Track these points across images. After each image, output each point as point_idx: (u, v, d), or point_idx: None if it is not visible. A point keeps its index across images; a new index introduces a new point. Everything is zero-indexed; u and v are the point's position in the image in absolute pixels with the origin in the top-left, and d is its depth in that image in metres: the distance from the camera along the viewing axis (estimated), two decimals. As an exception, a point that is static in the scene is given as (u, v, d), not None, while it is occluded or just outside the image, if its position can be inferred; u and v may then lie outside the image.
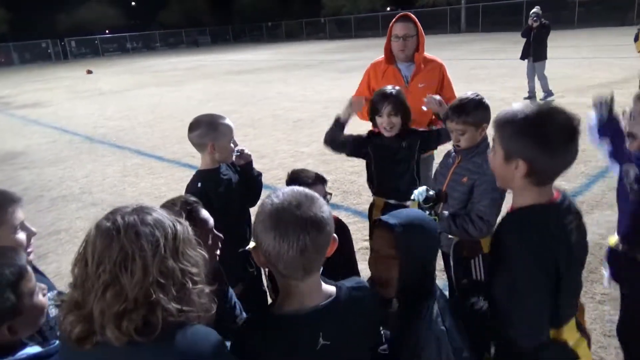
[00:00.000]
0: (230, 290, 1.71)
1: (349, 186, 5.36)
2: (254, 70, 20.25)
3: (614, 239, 2.13)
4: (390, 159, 2.60)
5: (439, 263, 1.87)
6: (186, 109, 11.13)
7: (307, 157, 6.78)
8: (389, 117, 2.49)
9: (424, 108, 2.62)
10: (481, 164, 2.08)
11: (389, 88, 2.54)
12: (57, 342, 1.27)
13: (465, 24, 36.23)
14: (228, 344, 1.16)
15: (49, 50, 45.47)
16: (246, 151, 2.41)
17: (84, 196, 5.92)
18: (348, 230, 2.46)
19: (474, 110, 2.08)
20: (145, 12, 60.61)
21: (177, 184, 5.78)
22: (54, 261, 4.19)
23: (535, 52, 9.25)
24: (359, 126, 2.87)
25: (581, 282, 1.49)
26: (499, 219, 2.08)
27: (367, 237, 3.05)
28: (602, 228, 3.80)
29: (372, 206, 2.80)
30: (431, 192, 2.10)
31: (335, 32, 45.26)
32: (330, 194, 2.22)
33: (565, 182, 4.74)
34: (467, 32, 35.11)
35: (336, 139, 2.69)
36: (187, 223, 1.08)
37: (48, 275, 1.72)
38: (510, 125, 1.32)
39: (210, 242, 1.58)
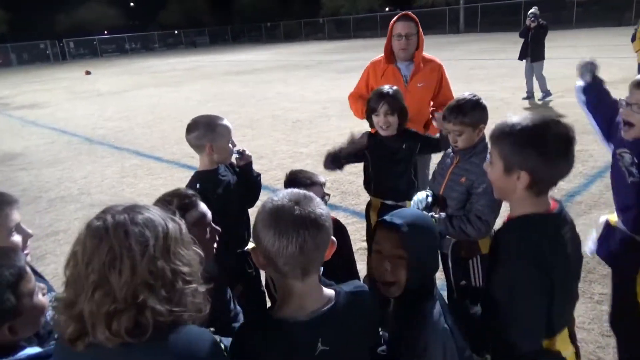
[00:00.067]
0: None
1: (347, 187, 5.37)
2: (252, 70, 20.25)
3: (614, 217, 2.16)
4: (389, 159, 2.60)
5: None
6: (185, 110, 11.12)
7: (306, 157, 6.78)
8: (385, 116, 2.49)
9: (434, 123, 2.62)
10: (479, 164, 2.09)
11: (386, 87, 2.55)
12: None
13: (464, 24, 36.26)
14: (225, 340, 1.16)
15: (47, 51, 45.43)
16: (247, 152, 2.42)
17: (82, 197, 5.92)
18: (346, 232, 2.46)
19: (471, 110, 2.08)
20: (144, 12, 60.60)
21: (176, 184, 5.68)
22: (52, 262, 4.19)
23: (533, 53, 9.27)
24: (357, 124, 2.87)
25: (577, 294, 1.51)
26: (499, 220, 2.10)
27: (365, 238, 3.05)
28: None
29: (369, 206, 2.81)
30: (430, 199, 2.13)
31: (334, 32, 45.28)
32: (329, 195, 2.23)
33: (563, 182, 4.75)
34: (465, 32, 35.15)
35: (335, 166, 2.68)
36: (181, 221, 1.07)
37: (47, 277, 1.72)
38: (509, 137, 1.34)
39: (208, 235, 1.59)
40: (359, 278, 2.49)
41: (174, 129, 9.18)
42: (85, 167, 7.27)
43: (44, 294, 1.32)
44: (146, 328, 0.92)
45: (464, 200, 2.15)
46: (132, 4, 63.09)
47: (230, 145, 2.28)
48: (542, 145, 1.29)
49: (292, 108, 10.67)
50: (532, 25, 9.24)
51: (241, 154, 2.40)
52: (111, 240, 0.94)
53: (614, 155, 2.10)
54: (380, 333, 1.45)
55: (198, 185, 2.19)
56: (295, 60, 23.54)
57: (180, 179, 5.88)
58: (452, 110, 2.12)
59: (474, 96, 2.13)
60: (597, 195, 4.55)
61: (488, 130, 1.59)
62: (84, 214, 5.31)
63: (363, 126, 2.81)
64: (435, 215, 2.13)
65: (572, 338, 1.48)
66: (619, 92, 2.08)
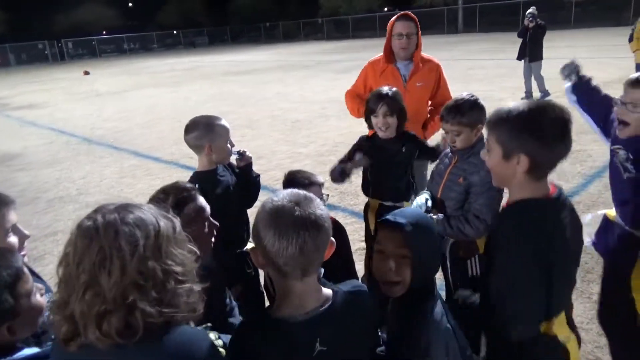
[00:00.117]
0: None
1: (346, 187, 5.36)
2: (251, 71, 20.24)
3: (612, 212, 2.17)
4: (388, 162, 2.60)
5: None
6: (183, 110, 11.10)
7: (305, 157, 6.78)
8: (384, 117, 2.49)
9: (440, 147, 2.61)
10: (477, 164, 2.09)
11: (385, 89, 2.55)
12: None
13: (463, 25, 36.30)
14: (224, 336, 1.16)
15: (45, 52, 45.36)
16: (248, 153, 2.42)
17: (81, 197, 5.91)
18: (345, 232, 2.47)
19: (469, 111, 2.08)
20: (142, 13, 60.48)
21: (174, 185, 5.75)
22: (51, 263, 4.18)
23: (531, 53, 9.28)
24: (356, 124, 2.87)
25: (575, 279, 1.51)
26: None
27: (364, 238, 3.06)
28: (598, 228, 3.81)
29: (367, 207, 2.81)
30: (430, 204, 2.14)
31: (333, 32, 45.27)
32: (327, 195, 2.23)
33: (562, 182, 4.76)
34: (464, 32, 35.18)
35: (342, 180, 2.67)
36: (176, 219, 1.06)
37: (45, 277, 1.71)
38: (506, 123, 1.35)
39: (206, 229, 1.59)
40: (357, 278, 2.49)
41: (173, 129, 9.17)
42: (84, 168, 7.26)
43: (42, 295, 1.32)
44: (136, 329, 0.91)
45: (463, 200, 2.16)
46: (130, 4, 63.01)
47: (228, 145, 2.29)
48: (539, 129, 1.31)
49: (291, 108, 10.67)
50: (530, 25, 9.26)
51: (242, 155, 2.41)
52: (101, 240, 0.93)
53: (610, 150, 2.11)
54: (380, 334, 1.45)
55: (197, 186, 2.19)
56: (294, 61, 23.54)
57: (178, 179, 5.85)
58: (450, 111, 2.12)
59: (472, 96, 2.13)
60: (596, 195, 4.56)
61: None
62: (82, 214, 5.22)
63: (361, 126, 2.81)
64: (434, 217, 2.13)
65: (572, 325, 1.49)
66: (617, 92, 2.08)
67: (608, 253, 2.20)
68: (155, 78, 20.63)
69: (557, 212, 1.37)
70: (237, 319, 1.81)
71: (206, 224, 1.60)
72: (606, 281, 2.22)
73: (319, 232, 1.08)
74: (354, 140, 2.80)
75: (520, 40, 9.57)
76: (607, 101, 2.15)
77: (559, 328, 1.40)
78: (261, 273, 2.41)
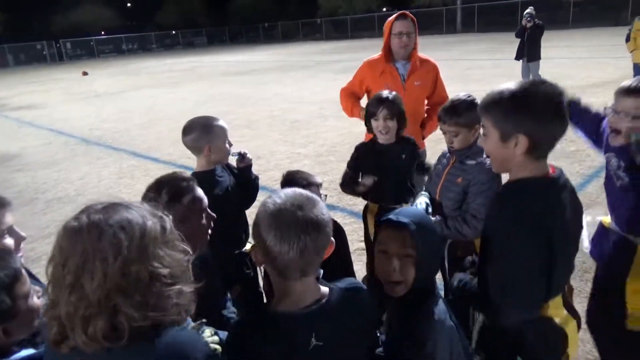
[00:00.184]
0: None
1: (345, 187, 5.37)
2: (250, 71, 20.24)
3: (607, 218, 2.18)
4: (388, 167, 2.60)
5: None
6: (182, 111, 11.10)
7: (304, 158, 6.78)
8: (385, 120, 2.50)
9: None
10: (475, 165, 2.09)
11: (385, 92, 2.56)
12: None
13: (461, 25, 36.34)
14: (221, 333, 1.16)
15: (44, 52, 45.30)
16: (248, 155, 2.42)
17: (79, 198, 5.89)
18: (344, 233, 2.47)
19: (466, 111, 2.08)
20: (141, 13, 60.43)
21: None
22: (49, 264, 4.17)
23: (529, 53, 9.30)
24: (354, 125, 2.87)
25: (573, 264, 1.49)
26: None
27: (363, 238, 3.06)
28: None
29: (366, 209, 2.81)
30: (430, 210, 2.15)
31: (332, 32, 45.29)
32: (326, 196, 2.23)
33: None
34: (462, 32, 35.21)
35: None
36: (167, 217, 1.02)
37: (42, 279, 1.71)
38: (500, 105, 1.34)
39: (204, 221, 1.59)
40: (355, 278, 2.48)
41: (171, 129, 9.16)
42: (82, 168, 7.25)
43: (39, 297, 1.32)
44: (122, 333, 0.89)
45: (461, 200, 2.16)
46: (129, 4, 62.93)
47: (227, 145, 2.29)
48: (534, 107, 1.30)
49: (290, 108, 10.67)
50: (528, 25, 9.26)
51: (242, 156, 2.41)
52: (85, 241, 0.90)
53: (606, 157, 2.12)
54: (378, 335, 1.45)
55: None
56: (293, 61, 23.54)
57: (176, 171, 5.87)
58: (447, 111, 2.13)
59: (469, 96, 2.13)
60: (594, 195, 4.56)
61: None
62: (80, 215, 5.29)
63: (360, 127, 2.81)
64: (432, 218, 2.14)
65: (572, 309, 1.47)
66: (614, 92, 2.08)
67: (603, 259, 2.20)
68: (153, 78, 20.61)
69: (558, 192, 1.36)
70: (229, 310, 1.82)
71: (203, 215, 1.59)
72: (599, 284, 2.22)
73: (319, 235, 1.08)
74: (352, 140, 2.81)
75: (518, 40, 9.59)
76: (598, 117, 2.17)
77: (554, 310, 1.39)
78: (260, 274, 2.41)
